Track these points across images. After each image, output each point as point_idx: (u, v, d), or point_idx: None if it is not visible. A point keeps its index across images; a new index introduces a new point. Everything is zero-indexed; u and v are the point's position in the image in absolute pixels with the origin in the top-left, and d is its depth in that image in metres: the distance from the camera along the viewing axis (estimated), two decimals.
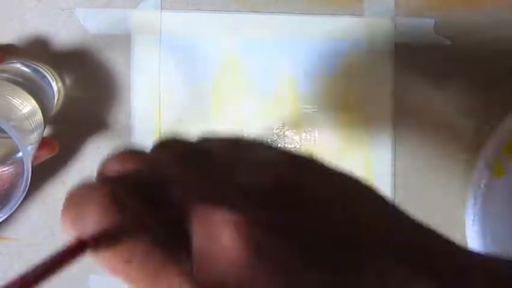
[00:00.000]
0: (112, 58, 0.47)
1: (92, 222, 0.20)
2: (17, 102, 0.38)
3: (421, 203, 0.46)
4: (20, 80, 0.41)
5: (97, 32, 0.47)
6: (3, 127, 0.33)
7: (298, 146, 0.47)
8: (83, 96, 0.47)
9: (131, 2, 0.46)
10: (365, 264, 0.19)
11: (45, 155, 0.44)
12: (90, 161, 0.48)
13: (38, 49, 0.47)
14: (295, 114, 0.47)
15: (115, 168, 0.22)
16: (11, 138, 0.34)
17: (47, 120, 0.43)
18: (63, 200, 0.22)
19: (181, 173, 0.21)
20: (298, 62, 0.46)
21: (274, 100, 0.47)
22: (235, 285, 0.18)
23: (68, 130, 0.48)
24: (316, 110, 0.46)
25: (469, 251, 0.22)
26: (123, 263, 0.20)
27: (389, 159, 0.46)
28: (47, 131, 0.47)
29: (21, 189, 0.34)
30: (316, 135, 0.47)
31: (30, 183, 0.35)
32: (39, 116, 0.40)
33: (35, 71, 0.45)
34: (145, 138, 0.47)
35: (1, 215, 0.35)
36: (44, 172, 0.48)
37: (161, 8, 0.46)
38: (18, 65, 0.44)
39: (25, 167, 0.34)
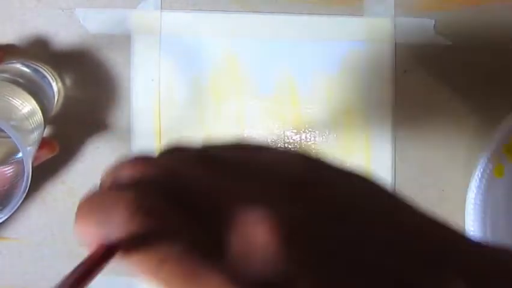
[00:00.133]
0: (112, 58, 0.47)
1: (120, 227, 0.20)
2: (17, 102, 0.38)
3: (421, 203, 0.46)
4: (20, 80, 0.41)
5: (97, 32, 0.47)
6: (3, 127, 0.33)
7: (298, 146, 0.47)
8: (83, 97, 0.47)
9: (131, 2, 0.46)
10: (426, 273, 0.19)
11: (46, 155, 0.44)
12: (90, 161, 0.48)
13: (38, 49, 0.47)
14: (295, 114, 0.47)
15: (129, 175, 0.22)
16: (11, 138, 0.34)
17: (47, 120, 0.43)
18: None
19: (201, 175, 0.21)
20: (298, 62, 0.46)
21: (274, 100, 0.47)
22: (276, 283, 0.18)
23: (68, 130, 0.48)
24: (316, 110, 0.46)
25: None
26: (156, 265, 0.19)
27: (389, 159, 0.46)
28: (47, 131, 0.47)
29: (22, 189, 0.34)
30: (316, 135, 0.47)
31: (30, 183, 0.35)
32: (39, 116, 0.40)
33: (35, 71, 0.45)
34: (145, 138, 0.47)
35: (2, 215, 0.35)
36: (44, 172, 0.48)
37: (161, 8, 0.46)
38: (18, 65, 0.44)
39: (25, 167, 0.34)
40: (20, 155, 0.35)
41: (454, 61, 0.45)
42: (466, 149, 0.45)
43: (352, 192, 0.22)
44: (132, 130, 0.48)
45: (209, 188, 0.21)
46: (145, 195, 0.20)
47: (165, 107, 0.47)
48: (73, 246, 0.50)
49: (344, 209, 0.21)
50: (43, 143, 0.42)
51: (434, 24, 0.45)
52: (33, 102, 0.40)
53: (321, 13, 0.46)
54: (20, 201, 0.35)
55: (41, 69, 0.45)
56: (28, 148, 0.36)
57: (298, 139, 0.47)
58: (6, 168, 0.38)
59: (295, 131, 0.47)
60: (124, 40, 0.47)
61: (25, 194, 0.35)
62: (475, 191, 0.44)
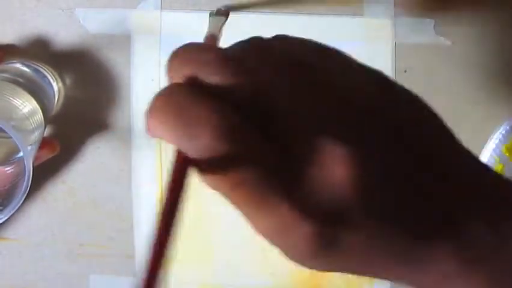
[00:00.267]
0: (112, 58, 0.47)
1: (201, 146, 0.19)
2: (17, 102, 0.38)
3: None
4: (20, 80, 0.41)
5: (97, 32, 0.47)
6: (4, 127, 0.33)
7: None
8: (83, 96, 0.47)
9: (131, 2, 0.46)
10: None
11: (46, 155, 0.44)
12: (90, 161, 0.48)
13: (38, 49, 0.47)
14: None
15: (215, 78, 0.21)
16: (11, 138, 0.34)
17: (48, 120, 0.43)
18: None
19: (287, 95, 0.21)
20: None
21: None
22: (348, 213, 0.19)
23: (69, 130, 0.48)
24: None
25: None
26: (230, 187, 0.19)
27: None
28: (47, 131, 0.47)
29: (23, 189, 0.34)
30: None
31: (31, 183, 0.35)
32: (39, 116, 0.40)
33: (36, 71, 0.45)
34: (145, 138, 0.47)
35: (2, 215, 0.35)
36: (44, 172, 0.48)
37: (161, 8, 0.46)
38: (19, 65, 0.44)
39: (26, 167, 0.34)
40: (20, 154, 0.35)
41: (454, 61, 0.45)
42: None
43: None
44: (132, 130, 0.48)
45: (293, 114, 0.20)
46: (232, 116, 0.20)
47: None
48: (73, 246, 0.50)
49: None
50: (44, 143, 0.42)
51: (434, 24, 0.45)
52: (34, 102, 0.40)
53: (321, 13, 0.46)
54: (21, 201, 0.35)
55: (41, 69, 0.45)
56: (29, 148, 0.36)
57: None
58: (7, 168, 0.38)
59: None
60: (124, 40, 0.47)
61: (26, 194, 0.35)
62: None
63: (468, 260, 0.20)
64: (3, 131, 0.34)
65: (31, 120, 0.38)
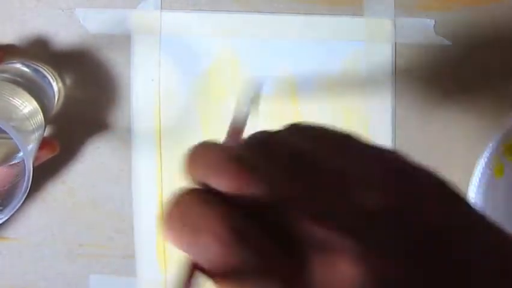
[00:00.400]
0: (112, 58, 0.47)
1: (210, 253, 0.19)
2: (17, 102, 0.38)
3: None
4: (20, 80, 0.41)
5: (97, 32, 0.47)
6: (4, 128, 0.33)
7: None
8: (83, 96, 0.47)
9: (131, 2, 0.46)
10: None
11: (46, 155, 0.44)
12: (90, 161, 0.48)
13: (38, 49, 0.47)
14: (295, 114, 0.47)
15: (227, 185, 0.20)
16: (11, 138, 0.34)
17: (48, 120, 0.43)
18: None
19: (291, 190, 0.20)
20: (298, 62, 0.46)
21: (274, 100, 0.47)
22: None
23: (69, 130, 0.48)
24: (316, 110, 0.46)
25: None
26: None
27: None
28: (47, 131, 0.47)
29: (23, 189, 0.34)
30: None
31: (31, 183, 0.35)
32: (39, 116, 0.40)
33: (36, 71, 0.45)
34: (145, 138, 0.47)
35: (2, 215, 0.35)
36: (44, 172, 0.48)
37: (161, 8, 0.46)
38: (19, 65, 0.44)
39: (26, 168, 0.34)
40: (20, 155, 0.35)
41: (454, 61, 0.45)
42: (466, 149, 0.45)
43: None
44: (132, 130, 0.48)
45: (300, 208, 0.19)
46: (241, 223, 0.19)
47: (165, 107, 0.47)
48: (73, 246, 0.50)
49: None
50: (44, 143, 0.42)
51: (434, 24, 0.45)
52: (34, 102, 0.40)
53: (321, 13, 0.46)
54: (21, 202, 0.35)
55: (41, 69, 0.45)
56: (29, 148, 0.36)
57: None
58: (7, 169, 0.38)
59: None
60: (124, 40, 0.47)
61: (26, 194, 0.34)
62: (475, 191, 0.44)
63: None
64: (3, 132, 0.34)
65: (31, 121, 0.38)
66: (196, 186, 0.21)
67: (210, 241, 0.19)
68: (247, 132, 0.26)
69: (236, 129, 0.27)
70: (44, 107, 0.41)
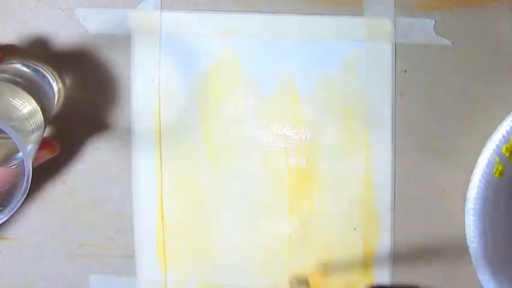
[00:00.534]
0: (112, 58, 0.47)
1: None
2: (17, 102, 0.38)
3: (421, 203, 0.46)
4: (20, 80, 0.41)
5: (97, 32, 0.47)
6: (3, 128, 0.33)
7: (298, 146, 0.47)
8: (83, 97, 0.47)
9: (131, 2, 0.46)
10: None
11: (46, 156, 0.44)
12: (90, 161, 0.48)
13: (38, 49, 0.47)
14: (295, 114, 0.47)
15: None
16: (11, 139, 0.34)
17: (48, 120, 0.43)
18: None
19: None
20: (298, 62, 0.46)
21: (274, 100, 0.47)
22: None
23: (69, 130, 0.48)
24: (316, 110, 0.46)
25: None
26: None
27: (389, 159, 0.46)
28: (47, 131, 0.47)
29: (22, 189, 0.34)
30: (317, 135, 0.47)
31: (30, 183, 0.35)
32: (39, 117, 0.40)
33: (36, 71, 0.45)
34: (145, 138, 0.47)
35: (2, 216, 0.35)
36: (44, 172, 0.48)
37: (161, 8, 0.46)
38: (19, 65, 0.44)
39: (26, 168, 0.34)
40: (20, 155, 0.35)
41: (454, 61, 0.45)
42: (466, 149, 0.45)
43: None
44: (132, 130, 0.48)
45: None
46: None
47: (165, 107, 0.47)
48: (73, 246, 0.50)
49: None
50: (43, 143, 0.42)
51: (434, 24, 0.45)
52: (34, 102, 0.40)
53: (321, 13, 0.46)
54: (21, 202, 0.35)
55: (41, 69, 0.45)
56: (28, 148, 0.36)
57: (298, 139, 0.47)
58: (7, 169, 0.38)
59: (295, 131, 0.47)
60: (124, 40, 0.47)
61: (26, 195, 0.34)
62: (475, 191, 0.44)
63: None
64: (3, 132, 0.34)
65: (31, 121, 0.38)
66: None
67: None
68: None
69: None
70: (44, 107, 0.41)
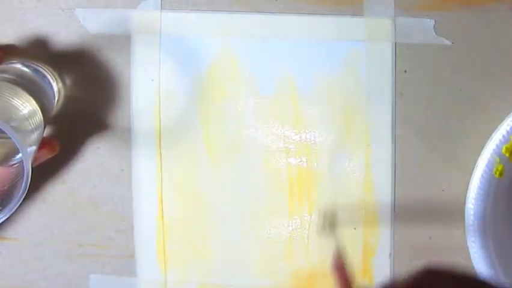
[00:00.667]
0: (112, 58, 0.47)
1: None
2: (17, 102, 0.38)
3: (421, 203, 0.46)
4: (20, 80, 0.41)
5: (97, 32, 0.47)
6: (3, 128, 0.33)
7: (297, 146, 0.47)
8: (83, 96, 0.47)
9: (131, 2, 0.46)
10: None
11: (46, 155, 0.44)
12: (90, 161, 0.48)
13: (38, 49, 0.47)
14: (295, 114, 0.47)
15: None
16: (11, 138, 0.34)
17: (47, 120, 0.43)
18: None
19: None
20: (298, 62, 0.46)
21: (274, 100, 0.47)
22: None
23: (68, 130, 0.48)
24: (316, 110, 0.46)
25: None
26: None
27: (389, 159, 0.46)
28: (47, 131, 0.47)
29: (22, 189, 0.34)
30: (317, 135, 0.47)
31: (30, 183, 0.35)
32: (39, 116, 0.40)
33: (35, 71, 0.45)
34: (145, 138, 0.47)
35: (1, 215, 0.35)
36: (44, 172, 0.48)
37: (161, 8, 0.46)
38: (19, 65, 0.44)
39: (25, 168, 0.34)
40: (20, 155, 0.35)
41: (454, 61, 0.45)
42: (466, 149, 0.45)
43: None
44: (132, 130, 0.48)
45: None
46: None
47: (165, 107, 0.47)
48: (73, 246, 0.50)
49: None
50: (43, 143, 0.42)
51: (434, 24, 0.45)
52: (34, 102, 0.40)
53: (321, 13, 0.46)
54: (20, 202, 0.35)
55: (41, 69, 0.45)
56: (28, 148, 0.36)
57: (298, 139, 0.47)
58: (7, 169, 0.38)
59: (295, 131, 0.47)
60: (124, 40, 0.47)
61: (25, 194, 0.34)
62: (475, 191, 0.44)
63: None
64: (3, 132, 0.34)
65: (31, 121, 0.38)
66: None
67: None
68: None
69: (340, 262, 0.35)
70: (44, 107, 0.41)
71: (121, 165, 0.48)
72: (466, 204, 0.45)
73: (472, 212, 0.44)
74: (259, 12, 0.46)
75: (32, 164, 0.35)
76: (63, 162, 0.48)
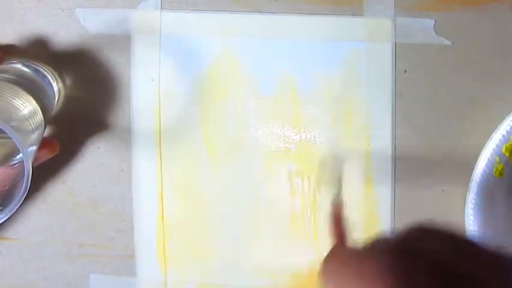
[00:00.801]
0: (112, 58, 0.47)
1: None
2: (17, 102, 0.38)
3: (421, 203, 0.46)
4: (20, 80, 0.41)
5: (97, 32, 0.47)
6: (3, 128, 0.33)
7: (297, 146, 0.47)
8: (83, 96, 0.47)
9: (131, 2, 0.46)
10: None
11: (46, 155, 0.44)
12: (90, 161, 0.48)
13: (38, 49, 0.47)
14: (295, 114, 0.47)
15: None
16: (11, 138, 0.34)
17: (48, 120, 0.43)
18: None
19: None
20: (298, 62, 0.46)
21: (274, 100, 0.47)
22: None
23: (69, 130, 0.48)
24: (316, 110, 0.46)
25: None
26: None
27: (389, 159, 0.46)
28: (47, 131, 0.47)
29: (22, 189, 0.34)
30: (317, 135, 0.47)
31: (30, 183, 0.35)
32: (39, 116, 0.40)
33: (36, 71, 0.45)
34: (145, 138, 0.47)
35: (2, 215, 0.35)
36: (44, 172, 0.48)
37: (161, 8, 0.46)
38: (19, 65, 0.44)
39: (25, 168, 0.34)
40: (20, 155, 0.35)
41: (454, 61, 0.45)
42: (466, 149, 0.45)
43: None
44: (132, 130, 0.48)
45: None
46: None
47: (165, 107, 0.47)
48: (73, 246, 0.50)
49: None
50: (43, 143, 0.42)
51: (434, 24, 0.45)
52: (34, 102, 0.40)
53: (321, 13, 0.46)
54: (21, 202, 0.35)
55: (41, 69, 0.45)
56: (28, 149, 0.36)
57: (298, 139, 0.47)
58: (7, 169, 0.38)
59: (295, 131, 0.47)
60: (124, 40, 0.47)
61: (25, 194, 0.34)
62: (475, 191, 0.44)
63: None
64: (3, 132, 0.34)
65: (31, 121, 0.38)
66: None
67: None
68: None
69: (337, 207, 0.36)
70: (44, 107, 0.41)
71: (121, 165, 0.48)
72: (466, 204, 0.45)
73: (472, 212, 0.44)
74: (259, 12, 0.46)
75: (32, 164, 0.35)
76: (63, 162, 0.48)
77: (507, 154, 0.43)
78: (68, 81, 0.47)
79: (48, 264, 0.50)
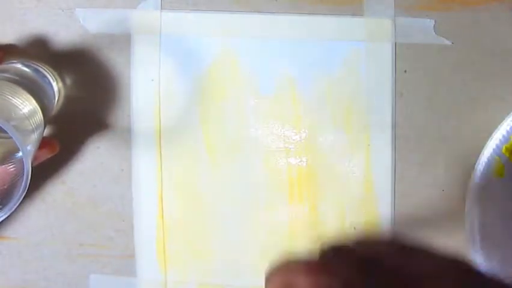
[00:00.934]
0: (112, 58, 0.47)
1: None
2: (17, 102, 0.38)
3: (421, 203, 0.46)
4: (20, 79, 0.41)
5: (97, 32, 0.47)
6: (3, 127, 0.33)
7: (298, 146, 0.47)
8: (83, 96, 0.47)
9: (131, 2, 0.46)
10: None
11: (46, 155, 0.44)
12: (90, 161, 0.48)
13: (38, 49, 0.47)
14: (295, 114, 0.47)
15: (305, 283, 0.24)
16: (11, 138, 0.34)
17: (48, 120, 0.43)
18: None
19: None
20: (298, 62, 0.46)
21: (274, 100, 0.47)
22: None
23: (69, 130, 0.48)
24: (316, 110, 0.46)
25: None
26: None
27: (389, 159, 0.46)
28: (47, 131, 0.47)
29: (21, 189, 0.34)
30: (317, 135, 0.47)
31: (30, 183, 0.35)
32: (39, 116, 0.40)
33: (36, 71, 0.45)
34: (145, 138, 0.47)
35: (1, 214, 0.35)
36: (44, 172, 0.48)
37: (161, 8, 0.46)
38: (19, 65, 0.44)
39: (25, 167, 0.34)
40: (20, 154, 0.35)
41: (454, 61, 0.45)
42: (466, 149, 0.45)
43: None
44: (132, 130, 0.48)
45: None
46: None
47: (165, 107, 0.47)
48: (73, 246, 0.50)
49: None
50: (43, 143, 0.42)
51: (434, 24, 0.45)
52: (34, 102, 0.40)
53: (321, 13, 0.46)
54: (20, 201, 0.35)
55: (41, 69, 0.45)
56: (28, 148, 0.36)
57: (298, 139, 0.47)
58: (7, 168, 0.38)
59: (295, 131, 0.47)
60: (124, 40, 0.47)
61: (25, 194, 0.35)
62: (475, 191, 0.44)
63: None
64: (3, 131, 0.34)
65: (31, 120, 0.38)
66: None
67: None
68: None
69: None
70: (44, 107, 0.41)
71: (121, 165, 0.48)
72: (466, 204, 0.45)
73: (472, 212, 0.44)
74: (259, 12, 0.46)
75: (32, 164, 0.35)
76: (63, 162, 0.48)
77: (507, 154, 0.43)
78: (68, 81, 0.47)
79: (48, 264, 0.50)
